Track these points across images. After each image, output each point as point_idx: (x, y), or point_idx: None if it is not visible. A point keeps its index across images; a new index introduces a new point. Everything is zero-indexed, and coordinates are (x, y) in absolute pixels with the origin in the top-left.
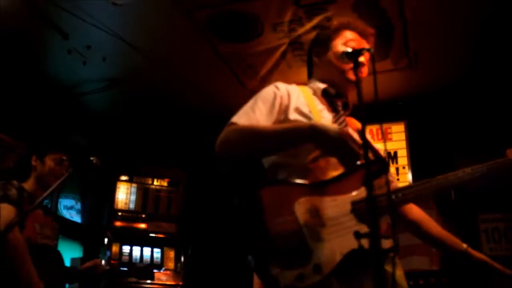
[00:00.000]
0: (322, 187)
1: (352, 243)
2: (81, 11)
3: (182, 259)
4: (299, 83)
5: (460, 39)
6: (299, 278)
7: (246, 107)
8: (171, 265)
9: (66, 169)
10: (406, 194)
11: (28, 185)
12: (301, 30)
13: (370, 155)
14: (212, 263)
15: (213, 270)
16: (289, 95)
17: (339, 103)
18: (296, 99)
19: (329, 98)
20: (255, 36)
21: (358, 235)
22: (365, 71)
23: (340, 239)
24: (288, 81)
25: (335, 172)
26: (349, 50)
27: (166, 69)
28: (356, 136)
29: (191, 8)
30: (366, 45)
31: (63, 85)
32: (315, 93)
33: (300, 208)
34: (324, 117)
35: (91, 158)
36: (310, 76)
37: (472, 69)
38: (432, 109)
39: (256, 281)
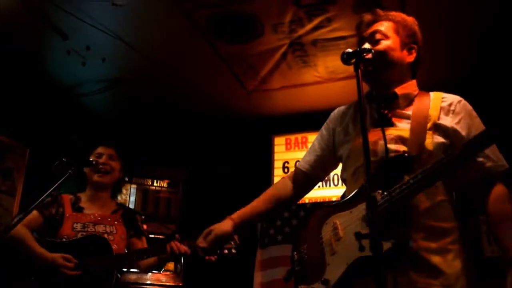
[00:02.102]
0: (348, 203)
1: (357, 253)
2: (80, 12)
3: (182, 260)
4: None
5: (461, 38)
6: None
7: None
8: (170, 266)
9: (106, 160)
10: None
11: (85, 193)
12: (301, 31)
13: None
14: (212, 264)
15: (212, 271)
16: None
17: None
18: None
19: (375, 100)
20: (255, 36)
21: (359, 236)
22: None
23: (348, 250)
24: (288, 81)
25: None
26: (350, 50)
27: (166, 69)
28: (405, 125)
29: (191, 8)
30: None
31: (62, 86)
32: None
33: (327, 227)
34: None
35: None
36: None
37: (474, 68)
38: None
39: (256, 281)
